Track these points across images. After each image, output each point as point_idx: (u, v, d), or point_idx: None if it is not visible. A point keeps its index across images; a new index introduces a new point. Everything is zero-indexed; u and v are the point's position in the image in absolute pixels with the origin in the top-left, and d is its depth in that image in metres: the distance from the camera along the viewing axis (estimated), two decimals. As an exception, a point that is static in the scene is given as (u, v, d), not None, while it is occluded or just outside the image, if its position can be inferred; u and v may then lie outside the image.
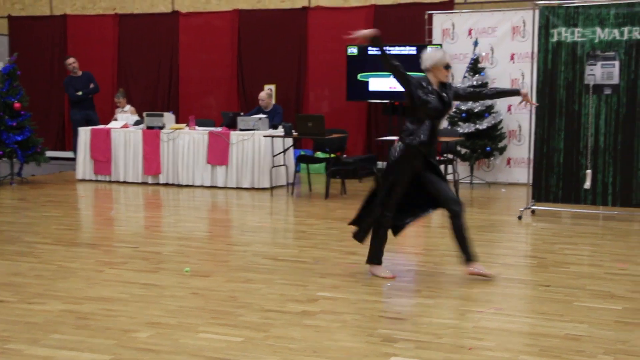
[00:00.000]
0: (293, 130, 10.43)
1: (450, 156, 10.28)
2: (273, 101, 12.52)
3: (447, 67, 5.80)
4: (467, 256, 5.81)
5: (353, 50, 12.45)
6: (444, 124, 11.89)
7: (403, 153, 5.78)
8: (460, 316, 4.93)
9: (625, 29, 8.21)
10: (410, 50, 12.11)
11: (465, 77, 11.58)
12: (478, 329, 4.66)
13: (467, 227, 5.83)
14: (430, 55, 5.82)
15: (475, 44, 11.64)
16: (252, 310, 5.06)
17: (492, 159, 11.73)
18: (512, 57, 11.72)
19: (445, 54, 5.87)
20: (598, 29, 8.36)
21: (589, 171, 8.43)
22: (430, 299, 5.36)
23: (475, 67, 11.53)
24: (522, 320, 4.90)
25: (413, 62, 12.03)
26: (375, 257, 6.01)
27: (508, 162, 11.84)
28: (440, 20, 12.16)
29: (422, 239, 7.91)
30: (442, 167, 10.08)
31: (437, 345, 4.34)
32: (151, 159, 11.50)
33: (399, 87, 12.04)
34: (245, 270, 6.19)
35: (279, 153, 10.86)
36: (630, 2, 8.28)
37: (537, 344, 4.39)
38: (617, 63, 8.28)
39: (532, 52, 9.18)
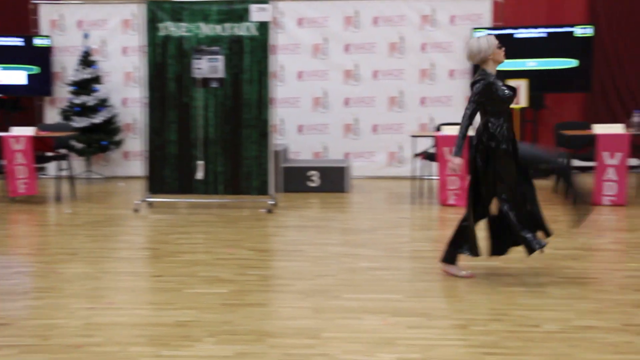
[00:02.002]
0: None
1: (64, 151, 9.96)
2: None
3: (500, 46, 5.32)
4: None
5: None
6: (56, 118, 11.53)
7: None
8: (70, 315, 4.80)
9: (227, 25, 8.63)
10: (17, 42, 11.54)
11: (77, 70, 11.33)
12: (88, 325, 4.58)
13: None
14: (481, 44, 5.28)
15: (86, 36, 11.43)
16: None
17: (108, 152, 11.64)
18: (124, 51, 11.70)
19: (489, 34, 5.38)
20: (202, 25, 8.67)
21: (200, 162, 8.74)
22: (39, 300, 5.15)
23: (86, 60, 11.33)
24: (133, 312, 4.91)
25: (19, 53, 11.56)
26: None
27: (125, 156, 11.83)
28: (47, 11, 11.73)
29: (34, 238, 7.57)
30: (54, 163, 9.74)
31: (43, 347, 4.18)
32: None
33: (2, 80, 11.56)
34: None
35: None
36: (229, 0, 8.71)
37: (147, 334, 4.44)
38: (221, 57, 8.66)
39: (142, 46, 9.25)
